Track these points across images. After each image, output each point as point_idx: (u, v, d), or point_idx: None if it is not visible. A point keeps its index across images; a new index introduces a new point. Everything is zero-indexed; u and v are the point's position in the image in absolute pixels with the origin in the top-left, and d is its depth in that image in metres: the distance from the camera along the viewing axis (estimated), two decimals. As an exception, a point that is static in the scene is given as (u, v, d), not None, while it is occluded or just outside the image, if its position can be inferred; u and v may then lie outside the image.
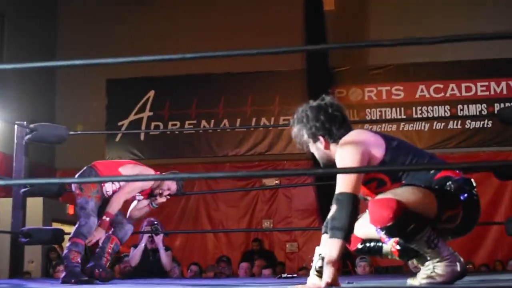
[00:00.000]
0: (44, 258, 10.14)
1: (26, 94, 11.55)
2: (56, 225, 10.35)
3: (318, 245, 3.50)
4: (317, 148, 3.63)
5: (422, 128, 12.25)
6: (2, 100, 10.11)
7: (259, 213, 12.32)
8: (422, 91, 12.33)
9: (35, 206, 8.30)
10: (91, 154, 10.82)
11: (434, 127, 12.07)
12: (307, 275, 3.49)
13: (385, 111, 12.38)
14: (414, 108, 12.32)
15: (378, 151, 3.42)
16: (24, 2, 12.26)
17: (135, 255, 7.95)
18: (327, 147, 3.56)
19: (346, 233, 3.16)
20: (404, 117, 12.30)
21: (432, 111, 12.12)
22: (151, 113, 12.84)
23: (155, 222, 7.92)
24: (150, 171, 5.82)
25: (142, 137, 12.83)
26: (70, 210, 11.45)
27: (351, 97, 12.46)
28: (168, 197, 5.92)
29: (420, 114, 12.29)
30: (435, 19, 11.95)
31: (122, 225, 5.67)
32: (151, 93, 12.88)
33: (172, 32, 12.72)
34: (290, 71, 12.00)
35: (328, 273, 3.12)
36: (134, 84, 12.74)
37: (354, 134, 3.49)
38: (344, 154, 3.39)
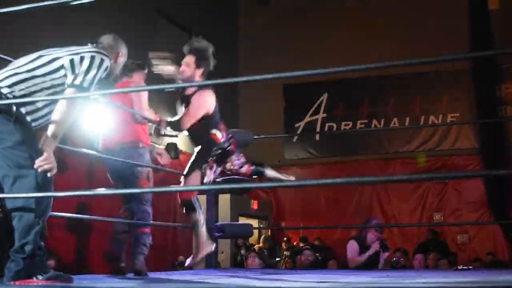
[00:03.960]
0: (233, 248, 10.49)
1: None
2: (242, 219, 10.73)
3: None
4: None
5: None
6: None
7: (430, 206, 12.10)
8: None
9: (224, 202, 8.60)
10: (270, 154, 11.09)
11: None
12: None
13: (555, 105, 11.76)
14: None
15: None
16: (209, 17, 12.74)
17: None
18: None
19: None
20: None
21: None
22: (324, 115, 12.98)
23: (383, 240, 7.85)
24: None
25: (317, 137, 13.03)
26: (255, 205, 11.81)
27: (519, 93, 11.96)
28: None
29: None
30: None
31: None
32: (325, 96, 13.03)
33: (341, 42, 12.70)
34: (456, 70, 11.67)
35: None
36: (309, 89, 12.90)
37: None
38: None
